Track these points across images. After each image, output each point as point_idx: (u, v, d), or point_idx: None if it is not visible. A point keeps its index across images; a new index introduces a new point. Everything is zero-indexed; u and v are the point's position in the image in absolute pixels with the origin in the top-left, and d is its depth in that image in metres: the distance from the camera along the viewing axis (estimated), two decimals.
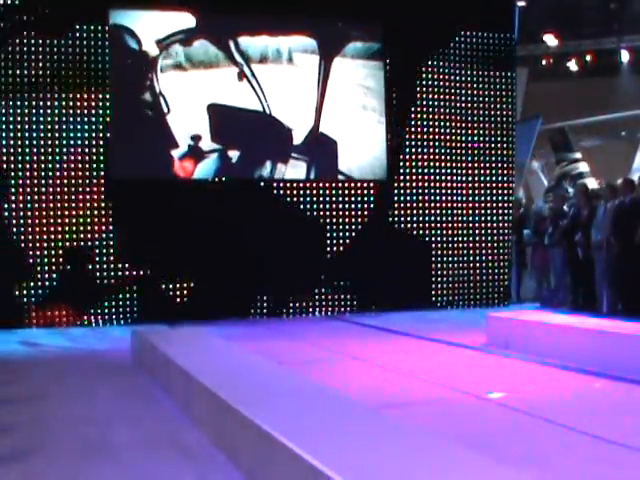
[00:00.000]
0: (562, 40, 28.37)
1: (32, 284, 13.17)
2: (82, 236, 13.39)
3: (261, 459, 4.91)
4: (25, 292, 13.16)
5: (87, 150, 13.42)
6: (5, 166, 13.07)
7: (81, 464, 5.63)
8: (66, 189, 13.32)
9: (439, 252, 15.25)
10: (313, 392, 6.03)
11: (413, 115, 15.18)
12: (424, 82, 15.23)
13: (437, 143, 15.29)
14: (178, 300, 13.87)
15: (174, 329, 11.48)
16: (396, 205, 15.11)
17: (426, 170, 15.21)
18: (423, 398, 7.55)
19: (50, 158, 13.25)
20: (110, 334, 12.56)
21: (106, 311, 13.52)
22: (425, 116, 15.25)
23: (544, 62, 30.34)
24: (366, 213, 14.90)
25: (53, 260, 13.27)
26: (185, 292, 13.90)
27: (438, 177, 15.27)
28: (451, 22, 15.28)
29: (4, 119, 13.03)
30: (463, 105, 15.46)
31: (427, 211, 15.22)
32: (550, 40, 28.43)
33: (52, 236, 13.26)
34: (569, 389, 7.97)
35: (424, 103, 15.24)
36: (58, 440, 6.28)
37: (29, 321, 13.14)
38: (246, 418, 5.16)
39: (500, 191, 15.63)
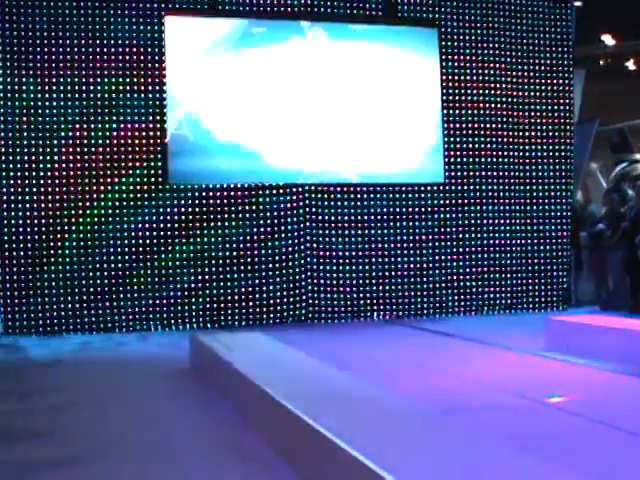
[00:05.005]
0: (620, 40, 28.08)
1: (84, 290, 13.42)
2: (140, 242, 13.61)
3: (321, 464, 4.92)
4: (77, 297, 13.37)
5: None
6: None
7: (144, 467, 5.70)
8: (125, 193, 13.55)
9: (497, 255, 15.17)
10: (374, 397, 6.02)
11: (469, 117, 15.15)
12: (480, 83, 15.21)
13: (494, 145, 15.22)
14: (236, 304, 13.96)
15: (232, 333, 11.52)
16: (453, 208, 15.05)
17: (483, 173, 15.15)
18: (483, 403, 7.50)
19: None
20: (168, 339, 12.68)
21: (165, 316, 13.68)
22: (482, 118, 15.20)
23: (602, 62, 30.04)
24: (422, 217, 14.86)
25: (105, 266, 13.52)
26: (242, 296, 13.99)
27: (495, 180, 15.20)
28: (508, 23, 15.27)
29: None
30: (521, 107, 15.38)
31: (485, 214, 15.15)
32: (608, 40, 28.15)
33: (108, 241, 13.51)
34: (629, 394, 7.87)
35: (480, 105, 15.21)
36: (122, 444, 6.36)
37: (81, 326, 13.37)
38: (306, 423, 5.16)
39: (559, 193, 15.50)
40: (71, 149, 13.31)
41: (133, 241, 13.51)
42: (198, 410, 7.56)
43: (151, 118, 13.63)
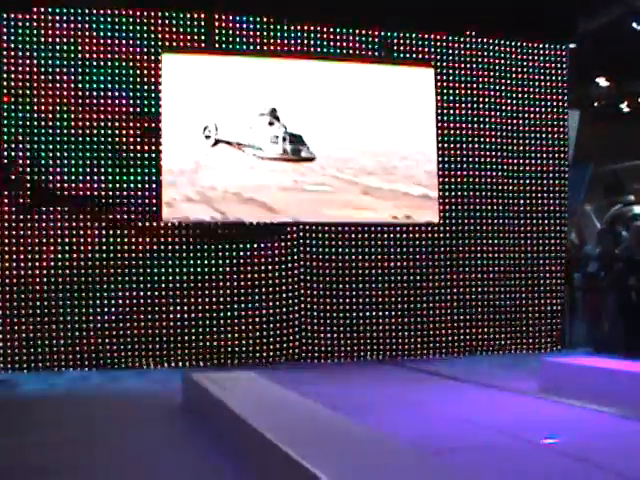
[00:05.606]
0: (614, 82, 28.22)
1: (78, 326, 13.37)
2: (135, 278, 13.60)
3: None
4: (71, 333, 13.32)
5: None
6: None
7: None
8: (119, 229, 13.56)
9: (491, 296, 15.17)
10: (369, 439, 5.96)
11: (464, 158, 15.20)
12: (475, 124, 15.30)
13: (489, 186, 15.27)
14: (229, 343, 13.92)
15: (225, 372, 11.48)
16: (447, 249, 15.06)
17: (477, 213, 15.19)
18: (476, 444, 7.45)
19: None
20: (162, 376, 12.65)
21: (158, 353, 13.63)
22: (477, 159, 15.26)
23: (596, 104, 30.18)
24: (416, 257, 14.87)
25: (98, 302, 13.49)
26: (236, 335, 13.95)
27: (489, 221, 15.23)
28: (503, 64, 15.43)
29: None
30: (515, 147, 15.46)
31: (479, 255, 15.17)
32: (602, 82, 28.31)
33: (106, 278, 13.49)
34: (624, 436, 7.84)
35: (475, 146, 15.28)
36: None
37: (74, 362, 13.31)
38: (304, 467, 5.09)
39: (552, 235, 15.55)
40: (66, 191, 13.36)
41: (127, 278, 13.51)
42: (190, 448, 7.50)
43: (146, 155, 13.68)
